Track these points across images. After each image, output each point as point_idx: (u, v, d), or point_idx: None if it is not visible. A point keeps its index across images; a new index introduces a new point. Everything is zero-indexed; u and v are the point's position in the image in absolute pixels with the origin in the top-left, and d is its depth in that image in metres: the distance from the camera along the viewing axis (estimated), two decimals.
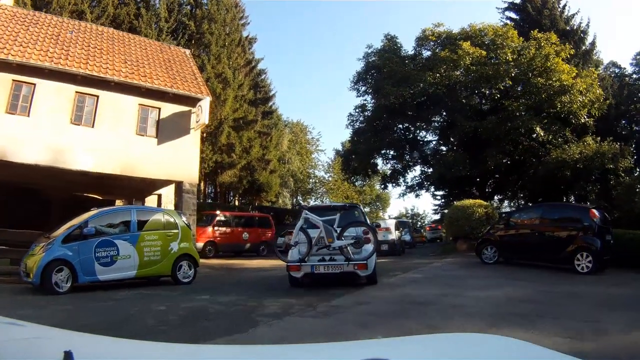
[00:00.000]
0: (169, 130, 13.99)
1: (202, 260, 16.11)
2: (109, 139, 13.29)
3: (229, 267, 13.90)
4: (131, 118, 13.80)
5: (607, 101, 22.06)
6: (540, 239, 11.19)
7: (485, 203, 16.23)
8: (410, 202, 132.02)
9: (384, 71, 24.34)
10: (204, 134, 30.38)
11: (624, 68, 31.50)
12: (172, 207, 14.44)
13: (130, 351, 1.34)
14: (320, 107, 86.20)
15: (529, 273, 10.14)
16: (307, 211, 8.44)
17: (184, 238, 9.37)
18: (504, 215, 15.09)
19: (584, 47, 27.69)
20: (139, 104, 14.00)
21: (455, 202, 17.17)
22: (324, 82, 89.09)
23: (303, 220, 8.23)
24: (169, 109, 14.24)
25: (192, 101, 14.48)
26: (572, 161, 17.55)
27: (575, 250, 10.41)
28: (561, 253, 10.64)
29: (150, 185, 15.41)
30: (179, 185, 13.83)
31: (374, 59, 26.69)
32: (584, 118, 21.89)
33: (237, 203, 35.90)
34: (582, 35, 27.89)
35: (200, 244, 16.93)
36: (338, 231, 7.95)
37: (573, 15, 28.74)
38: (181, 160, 13.78)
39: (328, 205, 11.85)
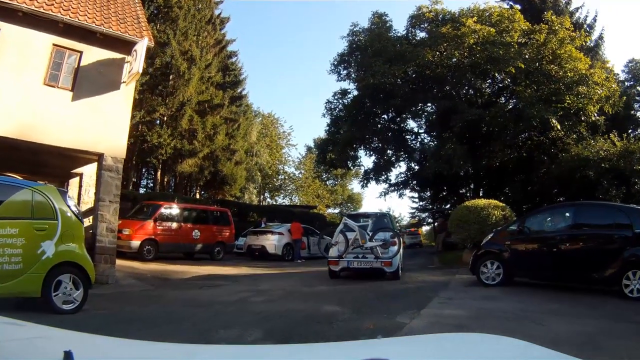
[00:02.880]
0: (91, 82, 10.12)
1: (136, 264, 12.28)
2: (6, 87, 9.37)
3: (166, 275, 10.13)
4: (40, 62, 9.83)
5: (624, 97, 19.45)
6: (572, 252, 8.18)
7: (501, 204, 13.02)
8: (386, 204, 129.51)
9: (371, 50, 20.95)
10: (164, 117, 26.73)
11: (617, 74, 30.00)
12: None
13: (130, 351, 1.33)
14: (294, 102, 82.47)
15: (574, 301, 7.21)
16: (346, 217, 10.50)
17: (68, 236, 5.52)
18: (515, 219, 11.72)
19: (588, 43, 25.23)
20: (54, 45, 10.05)
21: (466, 202, 13.90)
22: (299, 77, 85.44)
23: (343, 225, 10.16)
24: (94, 54, 10.36)
25: (127, 47, 10.59)
26: (598, 159, 14.68)
27: (623, 267, 7.51)
28: (603, 271, 7.72)
29: (68, 160, 11.47)
30: (99, 160, 9.96)
31: (359, 38, 23.34)
32: (595, 116, 19.29)
33: (198, 196, 32.36)
34: (588, 29, 25.40)
35: (136, 243, 13.15)
36: (370, 234, 9.71)
37: (578, 8, 26.37)
38: (104, 125, 9.89)
39: (363, 213, 14.14)
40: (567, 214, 8.86)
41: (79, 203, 12.53)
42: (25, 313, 5.30)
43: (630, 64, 29.58)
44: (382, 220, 11.12)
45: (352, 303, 6.26)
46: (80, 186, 12.39)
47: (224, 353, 1.39)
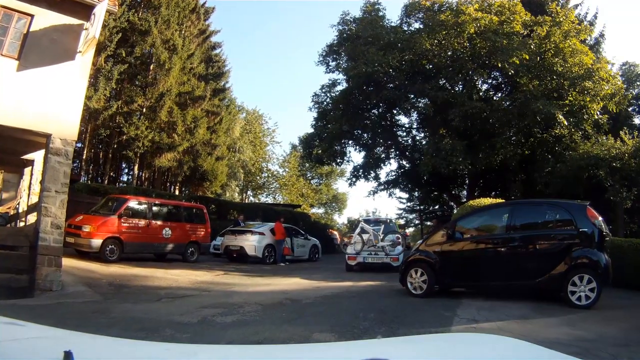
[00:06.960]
0: (41, 50, 8.58)
1: (94, 267, 10.50)
2: None
3: (125, 281, 8.56)
4: None
5: (630, 94, 18.50)
6: (509, 256, 7.43)
7: None
8: (371, 204, 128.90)
9: (363, 38, 19.62)
10: (143, 108, 25.09)
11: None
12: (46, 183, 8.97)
13: (130, 351, 1.31)
14: (279, 99, 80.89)
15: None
16: (362, 222, 13.05)
17: None
18: (443, 222, 11.19)
19: (588, 40, 24.31)
20: (2, 6, 8.54)
21: (470, 201, 12.79)
22: (286, 74, 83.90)
23: (360, 228, 12.53)
24: (48, 18, 8.79)
25: (87, 12, 9.01)
26: (609, 158, 13.60)
27: (568, 272, 6.85)
28: (544, 276, 6.99)
29: (12, 143, 9.83)
30: (46, 142, 8.37)
31: (350, 27, 22.00)
32: (597, 114, 18.30)
33: (178, 192, 30.86)
34: (589, 26, 24.46)
35: (97, 241, 11.53)
36: (382, 236, 12.43)
37: (577, 5, 25.44)
38: (53, 100, 8.31)
39: (375, 218, 16.08)
40: (503, 215, 8.06)
41: (29, 194, 10.93)
42: None
43: (624, 67, 28.91)
44: (390, 225, 14.08)
45: (351, 327, 4.84)
46: (31, 175, 10.79)
47: (224, 353, 1.39)
